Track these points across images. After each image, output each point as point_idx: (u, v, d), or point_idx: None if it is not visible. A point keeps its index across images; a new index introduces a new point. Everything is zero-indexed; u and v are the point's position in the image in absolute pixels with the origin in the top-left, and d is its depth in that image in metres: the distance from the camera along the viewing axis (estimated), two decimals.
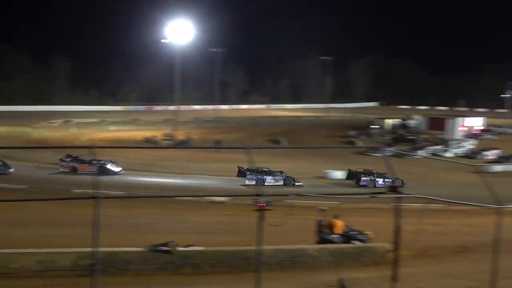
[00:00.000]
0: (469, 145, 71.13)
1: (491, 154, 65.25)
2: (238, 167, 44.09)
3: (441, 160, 58.41)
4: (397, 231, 11.33)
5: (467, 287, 16.59)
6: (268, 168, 44.82)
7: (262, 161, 45.84)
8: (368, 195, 23.99)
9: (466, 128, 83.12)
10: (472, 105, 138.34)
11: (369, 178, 45.04)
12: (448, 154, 65.88)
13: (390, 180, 42.15)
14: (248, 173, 43.46)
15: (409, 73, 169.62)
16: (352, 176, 45.97)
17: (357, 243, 20.33)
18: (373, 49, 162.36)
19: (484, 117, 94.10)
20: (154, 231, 22.22)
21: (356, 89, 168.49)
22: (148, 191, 33.92)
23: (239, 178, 43.85)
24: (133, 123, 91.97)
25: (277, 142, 72.93)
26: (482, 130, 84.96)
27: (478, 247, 21.27)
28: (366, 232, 21.21)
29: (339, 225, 20.87)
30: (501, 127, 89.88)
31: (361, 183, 45.01)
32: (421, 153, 64.22)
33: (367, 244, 20.27)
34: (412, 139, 74.94)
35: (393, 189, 11.52)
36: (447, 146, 68.74)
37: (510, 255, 18.40)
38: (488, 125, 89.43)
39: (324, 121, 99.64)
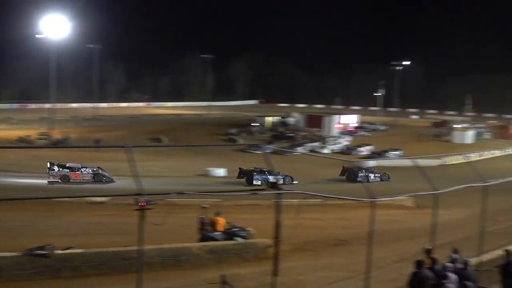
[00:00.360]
0: (345, 141, 74.02)
1: (365, 150, 68.31)
2: (239, 168, 45.58)
3: (319, 156, 60.27)
4: (277, 226, 11.57)
5: (344, 278, 17.25)
6: (261, 168, 45.19)
7: (142, 160, 45.14)
8: (248, 192, 24.28)
9: (341, 125, 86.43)
10: (347, 103, 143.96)
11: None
12: (325, 151, 68.16)
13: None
14: (255, 174, 44.54)
15: (288, 72, 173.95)
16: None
17: (239, 240, 20.55)
18: (254, 48, 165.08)
19: (358, 115, 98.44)
20: (31, 234, 21.28)
21: (237, 88, 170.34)
22: (21, 193, 32.34)
23: (241, 179, 44.94)
24: (5, 122, 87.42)
25: (158, 140, 72.11)
26: (356, 127, 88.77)
27: (353, 240, 22.20)
28: (248, 229, 21.49)
29: (221, 222, 21.00)
30: (373, 124, 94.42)
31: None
32: (300, 149, 65.91)
33: (248, 240, 20.55)
34: (291, 136, 76.75)
35: (273, 185, 11.74)
36: (324, 142, 71.05)
37: (382, 246, 19.41)
38: (362, 122, 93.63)
39: (205, 119, 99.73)
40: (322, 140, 73.22)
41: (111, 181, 41.29)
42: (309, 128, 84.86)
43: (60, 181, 40.90)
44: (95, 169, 41.74)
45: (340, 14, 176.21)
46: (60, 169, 41.40)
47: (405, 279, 13.65)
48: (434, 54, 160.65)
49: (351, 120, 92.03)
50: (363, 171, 48.47)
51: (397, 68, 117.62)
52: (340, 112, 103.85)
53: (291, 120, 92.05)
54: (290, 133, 79.41)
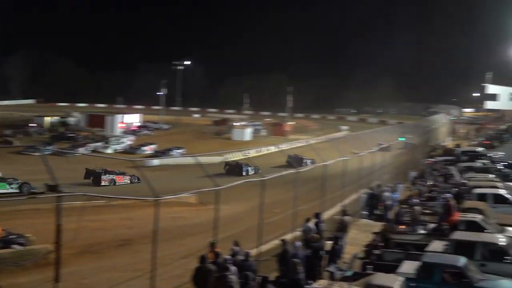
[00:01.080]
0: (128, 141, 73.42)
1: (149, 149, 68.38)
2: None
3: (102, 156, 59.02)
4: (57, 230, 11.11)
5: (130, 278, 17.13)
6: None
7: None
8: (26, 196, 22.99)
9: (124, 125, 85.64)
10: (130, 103, 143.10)
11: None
12: (109, 151, 66.97)
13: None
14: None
15: (67, 71, 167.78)
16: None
17: (17, 247, 19.40)
18: (30, 45, 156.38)
19: (141, 114, 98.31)
20: None
21: (12, 86, 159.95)
22: None
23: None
24: None
25: None
26: (139, 126, 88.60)
27: (138, 239, 22.12)
28: (27, 235, 20.37)
29: None
30: (156, 123, 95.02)
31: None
32: (82, 150, 64.07)
33: (27, 247, 19.48)
34: (72, 136, 74.26)
35: (52, 188, 11.25)
36: (107, 142, 69.78)
37: (169, 243, 19.62)
38: (145, 121, 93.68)
39: None
40: (105, 140, 71.88)
41: None
42: (91, 128, 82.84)
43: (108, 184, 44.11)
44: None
45: (123, 15, 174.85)
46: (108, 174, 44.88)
47: (190, 274, 13.95)
48: (215, 54, 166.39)
49: (134, 119, 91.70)
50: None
51: (179, 67, 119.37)
52: (123, 112, 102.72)
53: (71, 120, 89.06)
54: (71, 133, 76.77)
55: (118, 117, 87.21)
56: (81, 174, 45.04)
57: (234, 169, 51.22)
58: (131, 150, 67.88)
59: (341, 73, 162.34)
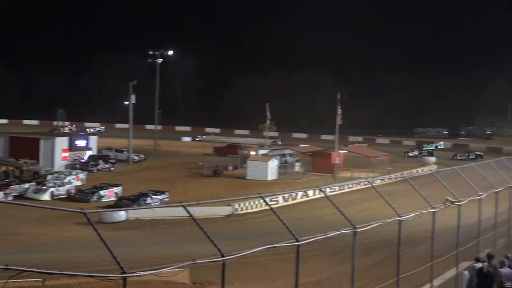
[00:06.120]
0: (76, 180, 73.73)
1: (109, 194, 68.61)
2: None
3: (32, 206, 59.21)
4: None
5: None
6: None
7: None
8: None
9: (70, 154, 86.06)
10: (78, 118, 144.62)
11: None
12: (44, 197, 67.11)
13: None
14: None
15: None
16: None
17: None
18: None
19: (96, 137, 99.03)
20: None
21: None
22: None
23: None
24: None
25: None
26: (94, 157, 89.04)
27: None
28: None
29: None
30: (121, 151, 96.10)
31: None
32: (0, 196, 64.18)
33: None
34: None
35: None
36: (42, 183, 69.96)
37: None
38: (102, 148, 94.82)
39: None
40: (38, 178, 72.12)
41: None
42: (15, 158, 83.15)
43: None
44: None
45: None
46: None
47: None
48: (213, 42, 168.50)
49: (85, 145, 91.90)
50: None
51: (157, 60, 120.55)
52: (67, 133, 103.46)
53: None
54: None
55: (60, 141, 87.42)
56: None
57: None
58: (80, 196, 67.94)
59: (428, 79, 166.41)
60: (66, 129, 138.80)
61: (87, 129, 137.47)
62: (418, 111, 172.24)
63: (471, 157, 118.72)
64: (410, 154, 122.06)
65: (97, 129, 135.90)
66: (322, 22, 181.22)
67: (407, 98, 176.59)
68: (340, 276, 22.04)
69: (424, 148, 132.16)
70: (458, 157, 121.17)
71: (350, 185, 74.57)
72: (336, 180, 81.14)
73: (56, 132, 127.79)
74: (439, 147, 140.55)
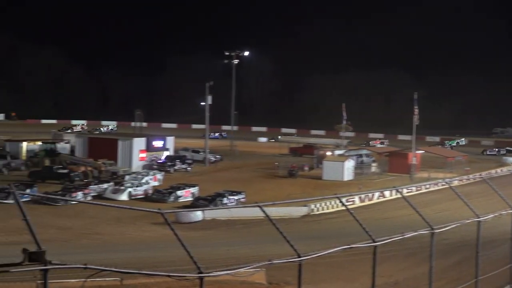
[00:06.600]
0: (153, 181, 74.18)
1: (186, 194, 68.92)
2: None
3: (111, 206, 59.81)
4: None
5: None
6: None
7: None
8: None
9: (147, 155, 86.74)
10: (154, 119, 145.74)
11: None
12: (122, 197, 67.63)
13: None
14: None
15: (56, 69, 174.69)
16: None
17: None
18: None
19: (173, 137, 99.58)
20: None
21: None
22: None
23: None
24: None
25: None
26: (171, 158, 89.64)
27: None
28: None
29: None
30: (198, 151, 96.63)
31: None
32: (80, 196, 64.74)
33: None
34: (65, 173, 75.01)
35: (35, 256, 11.47)
36: (120, 183, 70.54)
37: None
38: (179, 149, 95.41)
39: None
40: (116, 179, 72.94)
41: None
42: (94, 159, 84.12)
43: None
44: None
45: None
46: None
47: None
48: (289, 42, 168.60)
49: (163, 145, 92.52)
50: None
51: (233, 61, 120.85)
52: (144, 133, 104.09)
53: (62, 146, 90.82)
54: (62, 168, 77.93)
55: (137, 142, 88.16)
56: (77, 234, 45.85)
57: None
58: (157, 196, 68.42)
59: None
60: (78, 128, 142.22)
61: (101, 128, 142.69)
62: (497, 111, 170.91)
63: (501, 152, 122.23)
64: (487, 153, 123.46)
65: (110, 128, 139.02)
66: (400, 22, 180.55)
67: (485, 98, 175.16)
68: (418, 278, 21.85)
69: (448, 144, 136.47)
70: (488, 153, 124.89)
71: (427, 186, 74.06)
72: (413, 181, 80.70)
73: (68, 131, 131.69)
74: (460, 143, 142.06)
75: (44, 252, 11.40)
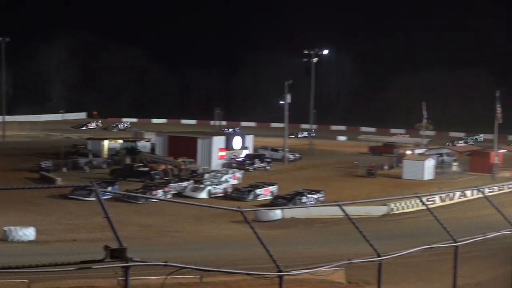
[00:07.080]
0: (232, 179, 74.43)
1: (265, 193, 69.07)
2: None
3: (191, 204, 60.42)
4: None
5: None
6: None
7: None
8: (75, 266, 23.73)
9: (227, 154, 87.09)
10: (232, 117, 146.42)
11: None
12: (202, 195, 67.96)
13: None
14: None
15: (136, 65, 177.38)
16: None
17: None
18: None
19: (252, 136, 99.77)
20: None
21: (52, 92, 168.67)
22: None
23: None
24: None
25: None
26: (250, 156, 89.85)
27: None
28: None
29: None
30: (277, 150, 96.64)
31: None
32: (160, 194, 65.22)
33: None
34: (146, 171, 75.71)
35: (117, 253, 11.60)
36: (199, 181, 70.90)
37: None
38: (258, 147, 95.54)
39: None
40: (196, 177, 73.41)
41: None
42: (173, 157, 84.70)
43: None
44: None
45: None
46: None
47: None
48: (370, 40, 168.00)
49: (242, 144, 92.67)
50: None
51: (312, 60, 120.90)
52: (223, 131, 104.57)
53: (143, 145, 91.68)
54: (143, 166, 78.64)
55: (217, 140, 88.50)
56: (157, 232, 46.25)
57: None
58: (236, 195, 68.64)
59: None
60: (93, 125, 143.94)
61: (118, 125, 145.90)
62: None
63: None
64: None
65: (125, 125, 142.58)
66: (481, 21, 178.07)
67: None
68: (500, 279, 21.50)
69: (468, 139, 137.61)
70: None
71: (510, 186, 73.07)
72: (495, 180, 79.60)
73: (83, 128, 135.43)
74: (478, 139, 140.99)
75: (126, 249, 11.52)
